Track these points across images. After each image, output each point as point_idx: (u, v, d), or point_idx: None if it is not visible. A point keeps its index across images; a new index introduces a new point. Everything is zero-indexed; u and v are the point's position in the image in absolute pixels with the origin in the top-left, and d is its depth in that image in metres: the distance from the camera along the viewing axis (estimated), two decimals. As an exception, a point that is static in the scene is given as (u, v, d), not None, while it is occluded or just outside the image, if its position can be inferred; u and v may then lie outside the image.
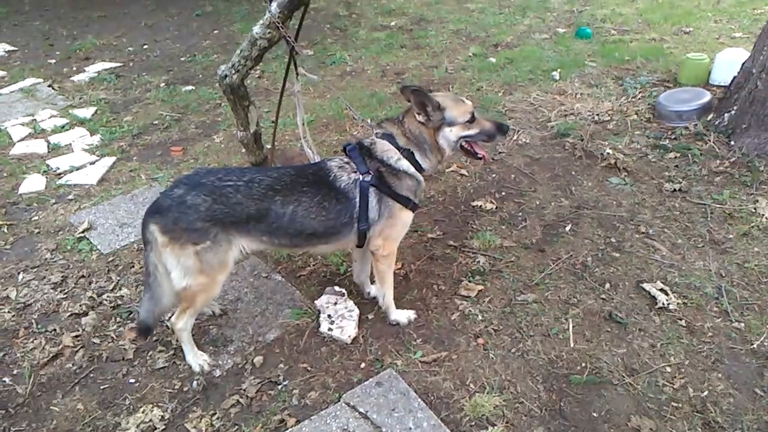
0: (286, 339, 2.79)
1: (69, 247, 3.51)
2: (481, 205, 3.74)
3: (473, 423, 2.33)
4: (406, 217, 2.62)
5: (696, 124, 4.43)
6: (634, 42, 6.44)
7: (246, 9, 8.81)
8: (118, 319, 2.95)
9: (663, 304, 2.85)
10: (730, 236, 3.32)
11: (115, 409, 2.47)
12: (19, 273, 3.30)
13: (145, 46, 7.48)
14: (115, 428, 2.39)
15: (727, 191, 3.68)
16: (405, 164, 2.53)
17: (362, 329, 2.82)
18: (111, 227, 3.68)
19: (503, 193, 3.88)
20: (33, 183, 4.25)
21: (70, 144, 4.85)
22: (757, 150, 4.00)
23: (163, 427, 2.38)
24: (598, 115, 4.79)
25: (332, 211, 2.49)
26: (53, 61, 7.09)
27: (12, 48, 7.64)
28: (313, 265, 3.30)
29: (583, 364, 2.59)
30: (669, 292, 2.92)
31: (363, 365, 2.63)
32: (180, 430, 2.37)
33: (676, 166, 4.03)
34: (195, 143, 4.81)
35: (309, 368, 2.63)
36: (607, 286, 3.03)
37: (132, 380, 2.61)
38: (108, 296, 3.09)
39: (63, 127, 5.18)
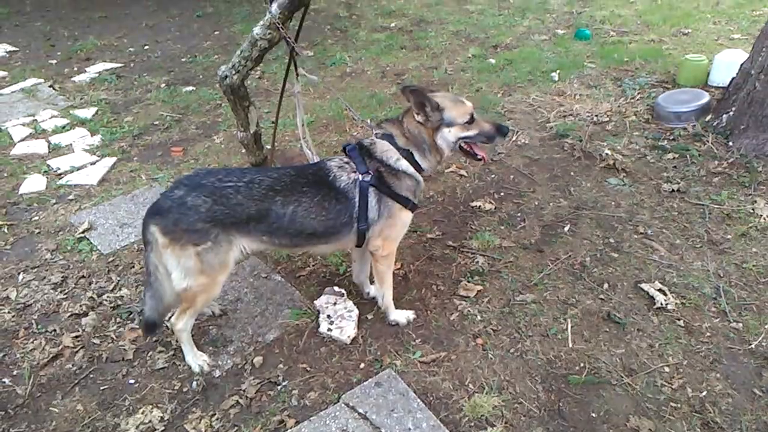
0: (286, 339, 2.80)
1: (69, 248, 3.52)
2: (480, 206, 3.75)
3: (472, 423, 2.34)
4: (406, 217, 2.62)
5: (694, 125, 4.44)
6: (633, 43, 6.45)
7: (247, 10, 8.83)
8: (118, 319, 2.96)
9: (661, 304, 2.86)
10: (729, 237, 3.33)
11: (115, 410, 2.48)
12: (19, 273, 3.31)
13: (146, 47, 7.49)
14: (115, 429, 2.39)
15: (725, 192, 3.69)
16: (404, 164, 2.54)
17: (361, 329, 2.83)
18: (111, 227, 3.69)
19: (502, 194, 3.89)
20: (33, 183, 4.26)
21: (71, 144, 4.86)
22: (755, 151, 4.00)
23: (163, 428, 2.38)
24: (597, 116, 4.80)
25: (332, 211, 2.49)
26: (54, 61, 7.10)
27: (13, 48, 7.66)
28: (313, 266, 3.31)
29: (582, 365, 2.59)
30: (667, 293, 2.93)
31: (362, 365, 2.63)
32: (179, 431, 2.37)
33: (675, 166, 4.04)
34: (195, 144, 4.82)
35: (308, 369, 2.63)
36: (606, 286, 3.03)
37: (132, 381, 2.62)
38: (108, 296, 3.10)
39: (64, 127, 5.19)
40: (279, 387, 2.55)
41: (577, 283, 3.06)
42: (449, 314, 2.90)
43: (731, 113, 4.24)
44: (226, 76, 3.50)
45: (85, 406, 2.50)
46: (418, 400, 2.41)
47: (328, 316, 2.85)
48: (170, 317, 2.63)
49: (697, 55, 5.28)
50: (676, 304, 2.87)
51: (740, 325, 2.75)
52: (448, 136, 2.52)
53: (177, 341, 2.67)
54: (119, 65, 6.81)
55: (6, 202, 4.03)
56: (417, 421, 2.32)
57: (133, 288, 3.16)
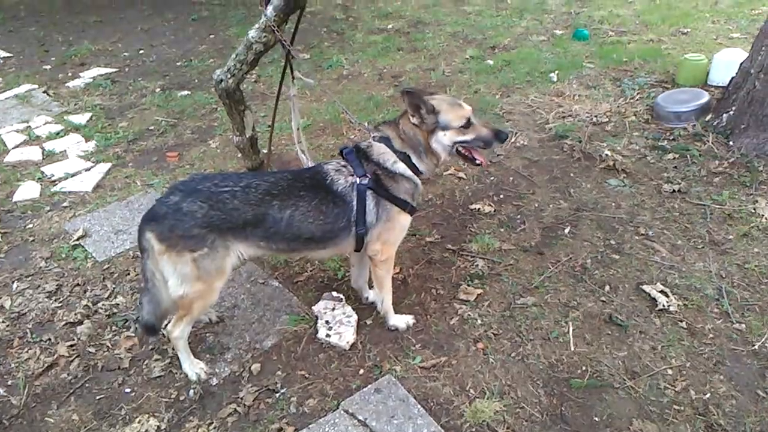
0: (284, 346, 2.76)
1: (64, 255, 3.48)
2: (479, 208, 3.72)
3: (474, 429, 2.31)
4: (404, 220, 2.60)
5: (694, 125, 4.42)
6: (632, 43, 6.44)
7: (242, 13, 8.81)
8: (113, 327, 2.92)
9: (663, 305, 2.83)
10: (730, 237, 3.30)
11: (111, 420, 2.44)
12: (13, 282, 3.27)
13: (141, 51, 7.46)
14: (111, 439, 2.36)
15: (726, 192, 3.66)
16: (401, 167, 2.51)
17: (360, 335, 2.79)
18: (106, 234, 3.65)
19: (501, 196, 3.86)
20: (27, 190, 4.22)
21: (65, 150, 4.82)
22: (756, 150, 3.98)
23: (160, 437, 2.35)
24: (596, 116, 4.78)
25: (330, 215, 2.47)
26: (48, 67, 7.07)
27: (7, 54, 7.63)
28: (311, 271, 3.27)
29: (584, 368, 2.56)
30: (669, 294, 2.90)
31: (361, 371, 2.60)
32: (176, 440, 2.34)
33: (675, 167, 4.01)
34: (191, 148, 4.79)
35: (307, 375, 2.60)
36: (607, 288, 3.00)
37: (128, 390, 2.58)
38: (103, 304, 3.06)
39: (58, 133, 5.14)
40: (277, 394, 2.51)
41: (578, 286, 3.03)
42: (449, 318, 2.87)
43: (731, 112, 4.22)
44: (222, 80, 3.47)
45: (80, 415, 2.47)
46: (419, 406, 2.38)
47: (327, 322, 2.81)
48: (167, 325, 2.59)
49: (696, 55, 5.26)
50: (678, 305, 2.84)
51: (743, 326, 2.73)
52: (444, 139, 2.48)
53: (173, 349, 2.63)
54: (114, 70, 6.78)
55: (0, 210, 3.99)
56: (417, 428, 2.29)
57: (128, 295, 3.13)
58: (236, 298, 3.08)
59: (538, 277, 3.10)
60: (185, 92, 5.98)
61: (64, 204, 4.05)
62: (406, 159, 2.52)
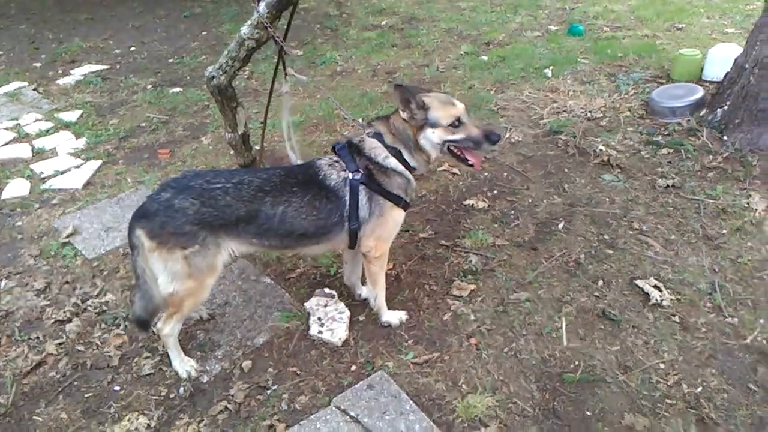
0: (275, 343, 2.74)
1: (53, 253, 3.45)
2: (473, 204, 3.70)
3: (466, 424, 2.29)
4: (398, 215, 2.58)
5: (689, 120, 4.41)
6: (627, 39, 6.42)
7: (234, 10, 8.75)
8: (103, 325, 2.89)
9: (656, 300, 2.82)
10: (724, 231, 3.30)
11: (100, 418, 2.42)
12: (1, 280, 3.24)
13: (132, 48, 7.41)
14: (100, 437, 2.33)
15: (720, 186, 3.66)
16: (393, 162, 2.49)
17: (353, 331, 2.77)
18: (96, 232, 3.62)
19: (495, 192, 3.84)
20: (17, 188, 4.18)
21: (55, 148, 4.78)
22: (750, 145, 3.98)
23: (149, 435, 2.32)
24: (590, 112, 4.77)
25: (323, 211, 2.45)
26: (39, 64, 7.01)
27: (-3, 52, 7.56)
28: (303, 267, 3.25)
29: (577, 363, 2.55)
30: (662, 289, 2.89)
31: (354, 368, 2.58)
32: (166, 438, 2.32)
33: (669, 162, 4.00)
34: (182, 145, 4.75)
35: (299, 372, 2.58)
36: (601, 283, 2.99)
37: (117, 388, 2.55)
38: (93, 302, 3.02)
39: (48, 130, 5.10)
40: (268, 391, 2.49)
41: (571, 281, 3.02)
42: (442, 314, 2.85)
43: (725, 107, 4.22)
44: (213, 77, 3.44)
45: (69, 414, 2.44)
46: (411, 402, 2.36)
47: (319, 319, 2.79)
48: (157, 322, 2.56)
49: (690, 50, 5.25)
50: (671, 300, 2.84)
51: (735, 320, 2.72)
52: (432, 137, 2.45)
53: (163, 346, 2.61)
54: (105, 67, 6.72)
55: (-12, 207, 3.96)
56: (410, 423, 2.27)
57: (118, 293, 3.09)
58: (227, 295, 3.05)
59: (531, 273, 3.09)
60: (177, 89, 5.93)
61: (54, 201, 4.01)
62: (397, 154, 2.49)
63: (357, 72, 6.10)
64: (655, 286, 2.90)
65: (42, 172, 4.38)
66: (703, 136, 4.19)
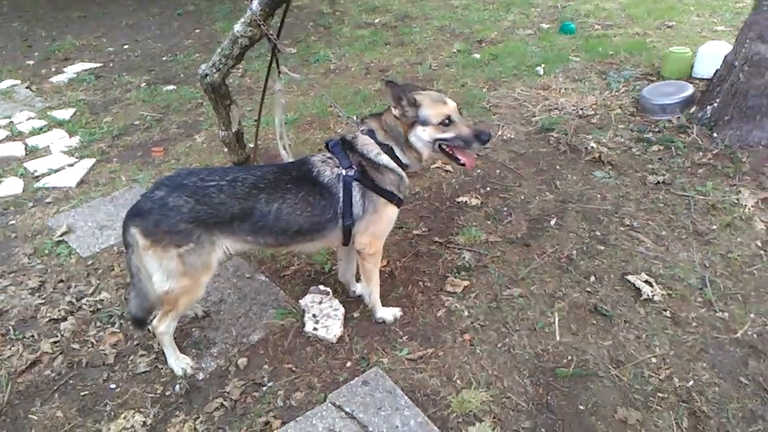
0: (271, 340, 2.75)
1: (47, 251, 3.44)
2: (466, 201, 3.72)
3: (460, 419, 2.32)
4: (391, 212, 2.59)
5: (679, 117, 4.45)
6: (618, 36, 6.47)
7: (228, 7, 8.72)
8: (98, 323, 2.89)
9: (648, 295, 2.85)
10: (714, 227, 3.34)
11: (96, 416, 2.42)
12: (-5, 279, 3.23)
13: (126, 46, 7.37)
14: (96, 435, 2.34)
15: (710, 183, 3.70)
16: (385, 159, 2.50)
17: (348, 328, 2.79)
18: (90, 230, 3.61)
19: (488, 189, 3.87)
20: (10, 186, 4.16)
21: (48, 146, 4.76)
22: (739, 141, 4.02)
23: (145, 432, 2.33)
24: (582, 109, 4.80)
25: (317, 207, 2.46)
26: (31, 62, 6.96)
27: (-11, 50, 7.51)
28: (298, 265, 3.26)
29: (570, 358, 2.58)
30: (653, 284, 2.93)
31: (349, 364, 2.60)
32: (162, 435, 2.33)
33: (660, 158, 4.04)
34: (176, 143, 4.74)
35: (294, 369, 2.59)
36: (593, 279, 3.03)
37: (113, 386, 2.56)
38: (87, 300, 3.02)
39: (41, 129, 5.08)
40: (264, 388, 2.50)
41: (563, 277, 3.05)
42: (436, 310, 2.87)
43: (715, 105, 4.26)
44: (207, 75, 3.44)
45: (65, 412, 2.44)
46: (406, 398, 2.38)
47: (314, 315, 2.81)
48: (152, 320, 2.57)
49: (681, 48, 5.30)
50: (662, 295, 2.87)
51: (726, 314, 2.76)
52: (422, 135, 2.46)
53: (159, 344, 2.61)
54: (98, 65, 6.69)
55: (-19, 207, 3.94)
56: (405, 419, 2.29)
57: (113, 291, 3.09)
58: (222, 292, 3.06)
59: (524, 269, 3.11)
60: (171, 87, 5.92)
61: (48, 200, 4.00)
62: (389, 151, 2.51)
63: (350, 70, 6.11)
64: (646, 282, 2.93)
65: (35, 171, 4.37)
66: (693, 133, 4.23)
